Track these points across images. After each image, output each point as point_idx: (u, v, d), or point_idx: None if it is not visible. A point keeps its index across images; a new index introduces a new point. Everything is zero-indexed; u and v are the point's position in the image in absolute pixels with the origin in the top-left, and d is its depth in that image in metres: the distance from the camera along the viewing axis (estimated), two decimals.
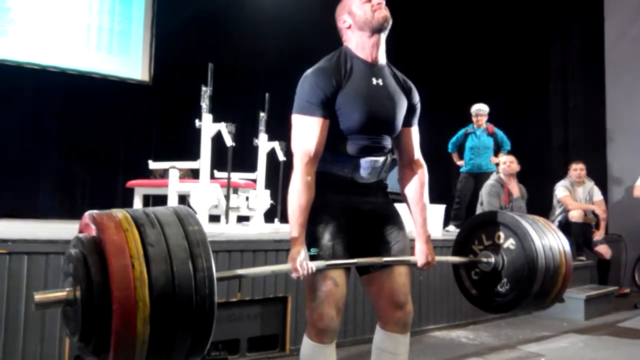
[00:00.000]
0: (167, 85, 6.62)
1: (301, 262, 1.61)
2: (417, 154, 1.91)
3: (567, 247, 2.08)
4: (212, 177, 4.25)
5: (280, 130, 3.82)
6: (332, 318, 1.68)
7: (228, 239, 2.99)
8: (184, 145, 5.39)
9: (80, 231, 1.45)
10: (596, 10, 6.81)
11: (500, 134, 5.85)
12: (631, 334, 3.95)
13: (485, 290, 2.10)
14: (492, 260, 2.04)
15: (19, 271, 2.32)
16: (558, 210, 5.50)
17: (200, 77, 3.90)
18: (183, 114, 5.11)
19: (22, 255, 2.33)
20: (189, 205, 3.58)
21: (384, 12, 1.74)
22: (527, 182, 5.48)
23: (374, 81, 1.76)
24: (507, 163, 5.18)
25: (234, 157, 4.03)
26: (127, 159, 6.49)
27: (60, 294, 1.34)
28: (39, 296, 1.32)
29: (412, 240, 1.87)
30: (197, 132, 3.72)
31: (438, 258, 1.91)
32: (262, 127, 4.52)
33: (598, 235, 5.35)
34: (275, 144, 4.74)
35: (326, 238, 1.72)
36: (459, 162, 6.02)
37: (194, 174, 5.32)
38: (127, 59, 6.64)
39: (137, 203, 4.95)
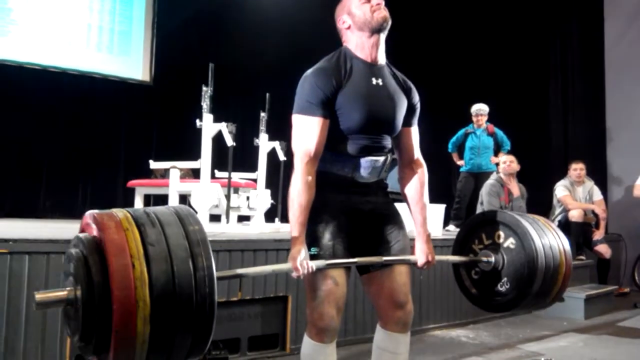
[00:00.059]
0: (168, 86, 6.63)
1: (301, 262, 1.61)
2: (417, 154, 1.91)
3: (567, 247, 2.09)
4: (213, 176, 4.26)
5: (281, 130, 3.82)
6: (333, 317, 1.69)
7: (229, 239, 2.99)
8: (185, 145, 5.40)
9: (81, 231, 1.45)
10: (596, 11, 6.80)
11: (500, 133, 5.86)
12: (631, 333, 3.95)
13: (485, 289, 2.10)
14: (492, 259, 2.05)
15: (20, 271, 2.32)
16: (558, 210, 5.51)
17: (200, 77, 3.91)
18: (184, 114, 5.13)
19: (23, 255, 2.34)
20: (189, 205, 3.59)
21: (383, 12, 1.75)
22: (527, 181, 5.48)
23: (374, 81, 1.77)
24: (507, 163, 5.18)
25: (235, 157, 4.03)
26: (128, 158, 6.50)
27: (61, 293, 1.34)
28: (39, 296, 1.33)
29: (412, 240, 1.87)
30: (198, 132, 3.73)
31: (438, 257, 1.91)
32: (262, 127, 4.53)
33: (598, 234, 5.35)
34: (276, 144, 4.75)
35: (326, 237, 1.72)
36: (459, 162, 6.03)
37: (195, 173, 5.33)
38: (128, 59, 6.65)
39: (138, 203, 4.96)
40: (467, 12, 7.18)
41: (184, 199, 4.34)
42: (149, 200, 5.14)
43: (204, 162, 3.68)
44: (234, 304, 2.94)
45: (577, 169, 5.49)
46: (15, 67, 5.90)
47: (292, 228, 1.67)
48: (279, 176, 4.97)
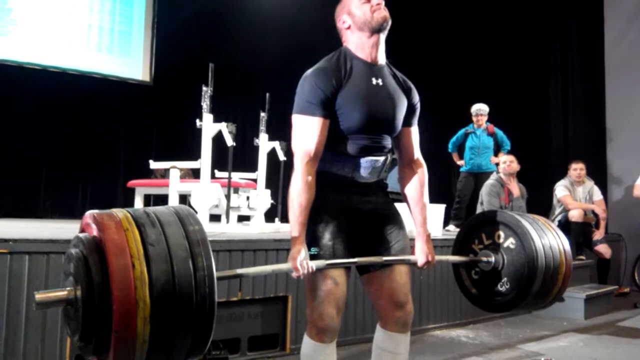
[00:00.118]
0: (168, 86, 6.63)
1: (301, 262, 1.61)
2: (417, 154, 1.91)
3: (567, 246, 2.08)
4: (213, 176, 4.26)
5: (281, 130, 3.83)
6: (333, 317, 1.69)
7: (229, 239, 2.99)
8: (185, 145, 5.41)
9: (81, 231, 1.46)
10: (596, 11, 6.80)
11: (500, 133, 5.86)
12: (631, 333, 3.96)
13: (485, 289, 2.10)
14: (492, 259, 2.05)
15: (20, 271, 2.32)
16: (558, 210, 5.51)
17: (200, 77, 3.91)
18: (184, 114, 5.13)
19: (23, 255, 2.34)
20: (189, 205, 3.59)
21: (383, 12, 1.75)
22: (527, 181, 5.49)
23: (374, 81, 1.77)
24: (507, 163, 5.19)
25: (235, 157, 4.03)
26: (128, 158, 6.50)
27: (61, 293, 1.34)
28: (39, 295, 1.33)
29: (412, 240, 1.87)
30: (198, 132, 3.73)
31: (438, 257, 1.91)
32: (262, 127, 4.53)
33: (598, 234, 5.35)
34: (276, 144, 4.75)
35: (326, 237, 1.72)
36: (459, 162, 6.03)
37: (195, 173, 5.33)
38: (128, 59, 6.65)
39: (138, 203, 4.96)
40: (467, 12, 7.18)
41: (184, 199, 4.34)
42: (149, 200, 5.14)
43: (204, 162, 3.68)
44: (234, 304, 2.94)
45: (577, 168, 5.49)
46: (15, 67, 5.90)
47: (292, 228, 1.67)
48: (279, 176, 4.97)
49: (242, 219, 4.99)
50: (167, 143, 6.45)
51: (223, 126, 3.75)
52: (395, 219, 1.87)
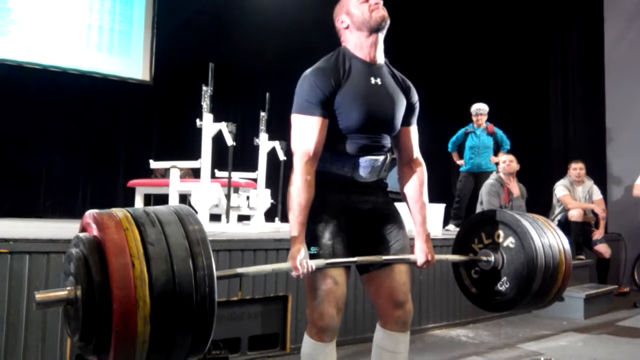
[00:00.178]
0: (168, 85, 6.63)
1: (301, 261, 1.62)
2: (416, 153, 1.91)
3: (567, 246, 2.09)
4: (213, 176, 4.26)
5: (281, 130, 3.83)
6: (333, 317, 1.69)
7: (229, 238, 3.00)
8: (185, 145, 5.41)
9: (81, 230, 1.46)
10: (596, 11, 6.80)
11: (500, 133, 5.86)
12: (630, 332, 3.96)
13: (485, 288, 2.10)
14: (492, 258, 2.05)
15: (20, 270, 2.33)
16: (557, 210, 5.51)
17: (200, 76, 3.91)
18: (184, 114, 5.13)
19: (24, 255, 2.34)
20: (189, 205, 3.59)
21: (382, 11, 1.75)
22: (527, 181, 5.49)
23: (373, 80, 1.77)
24: (506, 162, 5.19)
25: (235, 157, 4.04)
26: (128, 158, 6.50)
27: (61, 293, 1.34)
28: (40, 295, 1.33)
29: (412, 239, 1.88)
30: (198, 132, 3.73)
31: (438, 256, 1.91)
32: (262, 127, 4.53)
33: (597, 234, 5.35)
34: (276, 144, 4.75)
35: (326, 237, 1.73)
36: (459, 162, 6.03)
37: (195, 173, 5.33)
38: (128, 58, 6.65)
39: (138, 202, 4.96)
40: (467, 11, 7.18)
41: (184, 198, 4.34)
42: (149, 200, 5.15)
43: (204, 161, 3.68)
44: (234, 303, 2.94)
45: (576, 168, 5.49)
46: (15, 66, 5.90)
47: (291, 227, 1.67)
48: (279, 176, 4.97)
49: (242, 218, 4.99)
50: (167, 143, 6.45)
51: (223, 126, 3.75)
52: (395, 219, 1.87)
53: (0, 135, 5.68)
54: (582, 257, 5.17)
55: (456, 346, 3.51)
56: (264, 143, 4.54)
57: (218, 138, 3.82)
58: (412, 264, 1.85)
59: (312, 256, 1.68)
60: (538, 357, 3.24)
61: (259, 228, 3.93)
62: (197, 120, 3.65)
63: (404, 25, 6.61)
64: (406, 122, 1.87)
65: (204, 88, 3.65)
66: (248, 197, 4.49)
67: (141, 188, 5.05)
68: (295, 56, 5.56)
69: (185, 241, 1.35)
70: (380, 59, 1.82)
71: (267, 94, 4.60)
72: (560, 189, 5.46)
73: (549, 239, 2.03)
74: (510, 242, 2.04)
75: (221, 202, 3.94)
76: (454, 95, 7.02)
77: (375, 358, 1.87)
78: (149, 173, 5.71)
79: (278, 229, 4.10)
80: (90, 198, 6.23)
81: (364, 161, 1.77)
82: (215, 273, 1.35)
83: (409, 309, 1.81)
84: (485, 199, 5.15)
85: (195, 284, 1.31)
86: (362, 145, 1.76)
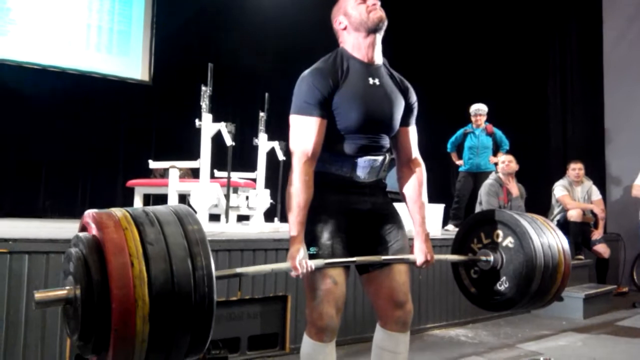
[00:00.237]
0: (167, 85, 6.63)
1: (300, 261, 1.62)
2: (415, 153, 1.91)
3: (566, 246, 2.09)
4: (212, 176, 4.26)
5: (280, 130, 3.82)
6: (332, 317, 1.69)
7: (228, 238, 3.00)
8: (184, 145, 5.40)
9: (81, 230, 1.46)
10: (595, 11, 6.81)
11: (499, 133, 5.86)
12: (629, 332, 3.96)
13: (485, 288, 2.10)
14: (491, 258, 2.05)
15: (19, 270, 2.33)
16: (557, 210, 5.51)
17: (200, 76, 3.91)
18: (183, 114, 5.12)
19: (23, 255, 2.34)
20: (189, 205, 3.59)
21: (379, 12, 1.76)
22: (526, 181, 5.49)
23: (371, 81, 1.78)
24: (505, 162, 5.19)
25: (234, 157, 4.03)
26: (127, 158, 6.50)
27: (61, 292, 1.34)
28: (39, 295, 1.33)
29: (411, 240, 1.88)
30: (197, 132, 3.73)
31: (437, 256, 1.91)
32: (261, 127, 4.53)
33: (596, 234, 5.36)
34: (275, 144, 4.75)
35: (325, 237, 1.73)
36: (458, 162, 6.03)
37: (194, 173, 5.33)
38: (127, 59, 6.65)
39: (137, 202, 4.96)
40: (466, 12, 7.19)
41: (183, 198, 4.34)
42: (148, 199, 5.14)
43: (203, 161, 3.68)
44: (233, 303, 2.94)
45: (575, 168, 5.50)
46: (15, 66, 5.89)
47: (290, 227, 1.68)
48: (278, 176, 4.97)
49: (242, 218, 4.99)
50: (167, 143, 6.44)
51: (222, 126, 3.75)
52: (394, 219, 1.87)
53: (0, 135, 5.67)
54: (581, 257, 5.18)
55: (455, 346, 3.51)
56: (263, 143, 4.54)
57: (217, 138, 3.82)
58: (411, 264, 1.85)
59: (312, 256, 1.69)
60: (537, 357, 3.24)
61: (258, 228, 3.93)
62: (196, 121, 3.65)
63: (402, 26, 6.61)
64: (405, 122, 1.87)
65: (203, 88, 3.65)
66: (247, 197, 4.48)
67: (140, 188, 5.04)
68: (294, 56, 5.56)
69: (184, 241, 1.35)
70: (378, 59, 1.82)
71: (267, 94, 4.60)
72: (559, 189, 5.47)
73: (548, 238, 2.03)
74: (509, 241, 2.04)
75: (220, 202, 3.94)
76: (453, 95, 7.03)
77: (375, 358, 1.88)
78: (148, 173, 5.70)
79: (277, 229, 4.10)
80: (89, 198, 6.22)
81: (363, 161, 1.78)
82: (214, 273, 1.36)
83: (409, 309, 1.82)
84: (484, 199, 5.15)
85: (194, 284, 1.31)
86: (361, 145, 1.77)
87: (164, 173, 5.48)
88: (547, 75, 7.08)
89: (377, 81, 1.79)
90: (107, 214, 1.37)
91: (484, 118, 5.86)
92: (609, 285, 5.12)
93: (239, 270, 1.64)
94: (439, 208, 4.42)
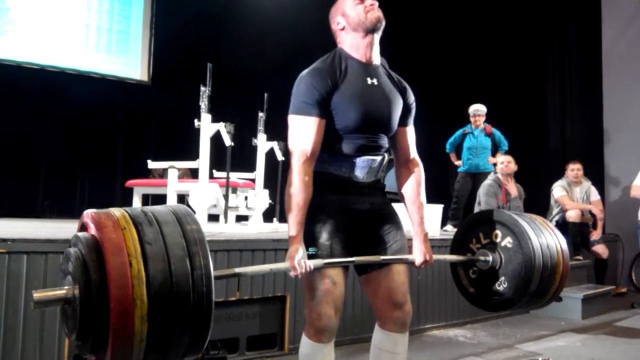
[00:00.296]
0: (166, 85, 6.62)
1: (299, 261, 1.62)
2: (413, 153, 1.92)
3: (565, 246, 2.09)
4: (211, 176, 4.26)
5: (279, 130, 3.82)
6: (331, 317, 1.69)
7: (227, 239, 3.00)
8: (183, 145, 5.40)
9: (79, 230, 1.46)
10: (594, 12, 6.82)
11: (497, 134, 5.87)
12: (628, 333, 3.97)
13: (483, 288, 2.10)
14: (490, 258, 2.05)
15: (18, 270, 2.32)
16: (555, 210, 5.52)
17: (199, 77, 3.91)
18: (182, 114, 5.13)
19: (22, 255, 2.33)
20: (188, 205, 3.59)
21: (377, 12, 1.77)
22: (525, 182, 5.50)
23: (369, 81, 1.78)
24: (504, 163, 5.20)
25: (233, 157, 4.04)
26: (126, 158, 6.49)
27: (59, 292, 1.34)
28: (38, 294, 1.33)
29: (410, 240, 1.88)
30: (196, 132, 3.73)
31: (436, 256, 1.91)
32: (260, 127, 4.53)
33: (595, 235, 5.37)
34: (274, 144, 4.75)
35: (324, 237, 1.73)
36: (457, 162, 6.03)
37: (193, 173, 5.33)
38: (126, 59, 6.65)
39: (136, 202, 4.95)
40: (465, 12, 7.19)
41: (182, 198, 4.34)
42: (147, 200, 5.14)
43: (202, 162, 3.68)
44: (232, 303, 2.94)
45: (574, 169, 5.51)
46: (14, 66, 5.89)
47: (289, 227, 1.68)
48: (277, 176, 4.97)
49: (241, 219, 4.99)
50: (166, 143, 6.44)
51: (221, 126, 3.75)
52: (392, 219, 1.87)
53: None
54: (580, 257, 5.18)
55: (454, 346, 3.51)
56: (262, 143, 4.54)
57: (216, 138, 3.82)
58: (410, 264, 1.85)
59: (310, 256, 1.69)
60: (536, 357, 3.24)
61: (257, 228, 3.93)
62: (195, 121, 3.65)
63: (401, 27, 6.62)
64: (403, 122, 1.87)
65: (202, 88, 3.64)
66: (246, 198, 4.48)
67: (139, 188, 5.04)
68: (294, 56, 5.55)
69: (182, 240, 1.35)
70: (376, 59, 1.83)
71: (266, 95, 4.60)
72: (558, 190, 5.47)
73: (546, 238, 2.03)
74: (507, 242, 2.04)
75: (219, 202, 3.94)
76: (452, 96, 7.03)
77: (373, 359, 1.87)
78: (147, 173, 5.70)
79: (276, 230, 4.10)
80: (88, 198, 6.22)
81: (361, 161, 1.78)
82: (212, 272, 1.36)
83: (408, 310, 1.82)
84: (483, 200, 5.15)
85: (192, 283, 1.31)
86: (360, 145, 1.77)
87: (162, 173, 5.48)
88: (546, 76, 7.09)
89: (375, 81, 1.79)
90: (105, 213, 1.37)
91: (483, 118, 5.86)
92: (608, 286, 5.13)
93: (237, 270, 1.64)
94: (438, 208, 4.43)
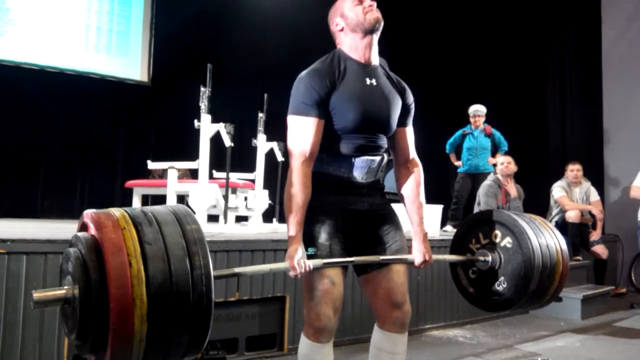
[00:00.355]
0: (166, 86, 6.63)
1: (299, 260, 1.62)
2: (413, 154, 1.92)
3: (564, 246, 2.09)
4: (211, 177, 4.26)
5: (279, 131, 3.83)
6: (329, 317, 1.69)
7: (226, 239, 3.00)
8: (183, 146, 5.40)
9: (79, 230, 1.46)
10: (593, 12, 6.82)
11: (497, 134, 5.87)
12: (627, 333, 3.97)
13: (483, 288, 2.11)
14: (489, 258, 2.05)
15: (17, 271, 2.32)
16: (555, 211, 5.52)
17: (199, 77, 3.92)
18: (182, 115, 5.12)
19: (21, 255, 2.33)
20: (187, 206, 3.59)
21: (376, 13, 1.77)
22: (525, 182, 5.50)
23: (368, 81, 1.78)
24: (504, 164, 5.20)
25: (233, 158, 4.04)
26: (126, 159, 6.49)
27: (59, 292, 1.34)
28: (37, 294, 1.33)
29: (409, 240, 1.88)
30: (196, 133, 3.73)
31: (435, 256, 1.92)
32: (260, 128, 4.53)
33: (595, 235, 5.37)
34: (274, 145, 4.75)
35: (323, 237, 1.73)
36: (457, 163, 6.04)
37: (193, 174, 5.33)
38: (126, 59, 6.65)
39: (136, 203, 4.95)
40: (465, 13, 7.19)
41: (182, 199, 4.34)
42: (146, 200, 5.14)
43: (202, 162, 3.68)
44: (231, 304, 2.94)
45: (574, 169, 5.51)
46: (13, 67, 5.89)
47: (289, 227, 1.68)
48: (277, 177, 4.97)
49: (240, 219, 4.99)
50: (165, 143, 6.44)
51: (221, 127, 3.75)
52: (392, 220, 1.87)
53: None
54: (580, 258, 5.18)
55: (454, 347, 3.51)
56: (262, 144, 4.54)
57: (216, 139, 3.82)
58: (409, 264, 1.85)
59: (310, 257, 1.69)
60: (535, 357, 3.24)
61: (257, 229, 3.93)
62: (195, 121, 3.65)
63: (401, 27, 6.62)
64: (402, 122, 1.88)
65: (202, 89, 3.65)
66: (246, 198, 4.48)
67: (139, 189, 5.04)
68: (293, 57, 5.55)
69: (182, 240, 1.35)
70: (375, 60, 1.83)
71: (265, 95, 4.60)
72: (557, 190, 5.47)
73: (546, 239, 2.03)
74: (507, 242, 2.04)
75: (219, 202, 3.94)
76: (452, 96, 7.03)
77: (373, 359, 1.87)
78: (147, 174, 5.70)
79: (276, 230, 4.10)
80: (88, 199, 6.21)
81: (360, 161, 1.78)
82: (212, 272, 1.36)
83: (407, 310, 1.82)
84: (482, 200, 5.16)
85: (192, 283, 1.31)
86: (359, 145, 1.77)
87: (162, 174, 5.48)
88: (546, 76, 7.09)
89: (374, 82, 1.80)
90: (105, 213, 1.37)
91: (483, 119, 5.86)
92: (607, 286, 5.13)
93: (237, 269, 1.64)
94: (438, 209, 4.43)
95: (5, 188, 5.78)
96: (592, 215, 5.44)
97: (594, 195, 5.54)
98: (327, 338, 1.72)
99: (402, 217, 1.92)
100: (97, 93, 6.33)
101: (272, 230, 4.02)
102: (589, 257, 5.39)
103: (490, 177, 5.29)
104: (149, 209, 1.44)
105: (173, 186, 4.09)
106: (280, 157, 4.83)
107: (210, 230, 3.52)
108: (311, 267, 1.64)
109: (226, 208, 3.96)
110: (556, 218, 5.44)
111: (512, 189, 5.21)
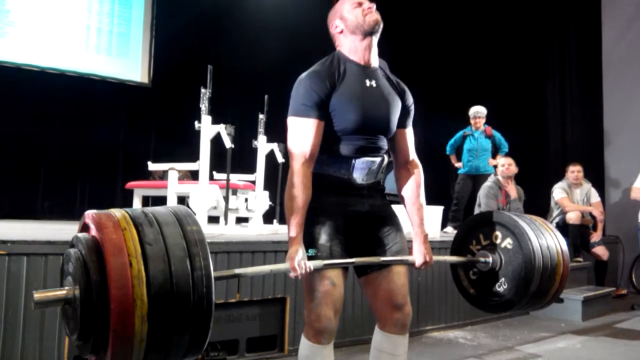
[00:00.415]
0: (167, 87, 6.63)
1: (299, 262, 1.62)
2: (413, 155, 1.92)
3: (565, 247, 2.09)
4: (211, 178, 4.26)
5: (279, 132, 3.83)
6: (330, 319, 1.69)
7: (227, 240, 3.00)
8: (183, 147, 5.40)
9: (80, 231, 1.46)
10: (594, 13, 6.82)
11: (498, 136, 5.87)
12: (628, 335, 3.96)
13: (483, 289, 2.10)
14: (490, 259, 2.05)
15: (18, 272, 2.32)
16: (555, 212, 5.52)
17: (199, 78, 3.91)
18: (182, 116, 5.13)
19: (22, 256, 2.33)
20: (188, 207, 3.59)
21: (375, 15, 1.78)
22: (525, 184, 5.50)
23: (368, 83, 1.79)
24: (505, 166, 5.20)
25: (233, 159, 4.04)
26: (127, 160, 6.49)
27: (60, 292, 1.35)
28: (38, 295, 1.33)
29: (410, 242, 1.88)
30: (197, 134, 3.73)
31: (436, 258, 1.91)
32: (261, 129, 4.53)
33: (595, 236, 5.37)
34: (274, 146, 4.75)
35: (323, 239, 1.73)
36: (457, 164, 6.04)
37: (193, 175, 5.32)
38: (127, 60, 6.65)
39: (137, 204, 4.95)
40: (465, 13, 7.20)
41: (182, 200, 4.34)
42: (147, 201, 5.14)
43: (203, 163, 3.68)
44: (232, 305, 2.94)
45: (574, 171, 5.51)
46: (14, 68, 5.89)
47: (289, 229, 1.68)
48: (277, 178, 4.97)
49: (241, 220, 4.99)
50: (166, 145, 6.43)
51: (221, 128, 3.75)
52: (392, 221, 1.87)
53: None
54: (580, 259, 5.18)
55: (454, 348, 3.51)
56: (263, 145, 4.54)
57: (216, 140, 3.82)
58: (410, 265, 1.85)
59: (310, 258, 1.69)
60: (536, 359, 3.24)
61: (257, 230, 3.93)
62: (196, 123, 3.66)
63: (401, 28, 6.63)
64: (402, 124, 1.88)
65: (203, 90, 3.65)
66: (246, 199, 4.48)
67: (139, 190, 5.04)
68: (294, 59, 5.57)
69: (183, 241, 1.35)
70: (375, 62, 1.84)
71: (266, 96, 4.60)
72: (558, 192, 5.47)
73: (546, 240, 2.03)
74: (507, 243, 2.04)
75: (219, 204, 3.94)
76: (452, 97, 7.03)
77: None
78: (147, 175, 5.70)
79: (276, 231, 4.10)
80: (88, 200, 6.21)
81: (360, 162, 1.78)
82: (212, 273, 1.36)
83: (408, 311, 1.82)
84: (483, 202, 5.16)
85: (192, 284, 1.31)
86: (359, 146, 1.77)
87: (163, 175, 5.48)
88: (546, 77, 7.09)
89: (373, 83, 1.80)
90: (106, 214, 1.37)
91: (483, 120, 5.87)
92: (608, 288, 5.12)
93: (237, 270, 1.64)
94: (438, 210, 4.42)
95: (6, 189, 5.79)
96: (593, 217, 5.44)
97: (595, 197, 5.53)
98: (328, 339, 1.72)
99: (402, 218, 1.92)
100: (98, 94, 6.33)
101: (272, 232, 4.02)
102: (590, 259, 5.38)
103: (491, 179, 5.29)
104: (149, 209, 1.44)
105: (173, 187, 4.09)
106: (280, 159, 4.83)
107: (210, 232, 3.52)
108: (312, 268, 1.64)
109: (227, 209, 3.96)
110: (557, 219, 5.43)
111: (513, 190, 5.21)
